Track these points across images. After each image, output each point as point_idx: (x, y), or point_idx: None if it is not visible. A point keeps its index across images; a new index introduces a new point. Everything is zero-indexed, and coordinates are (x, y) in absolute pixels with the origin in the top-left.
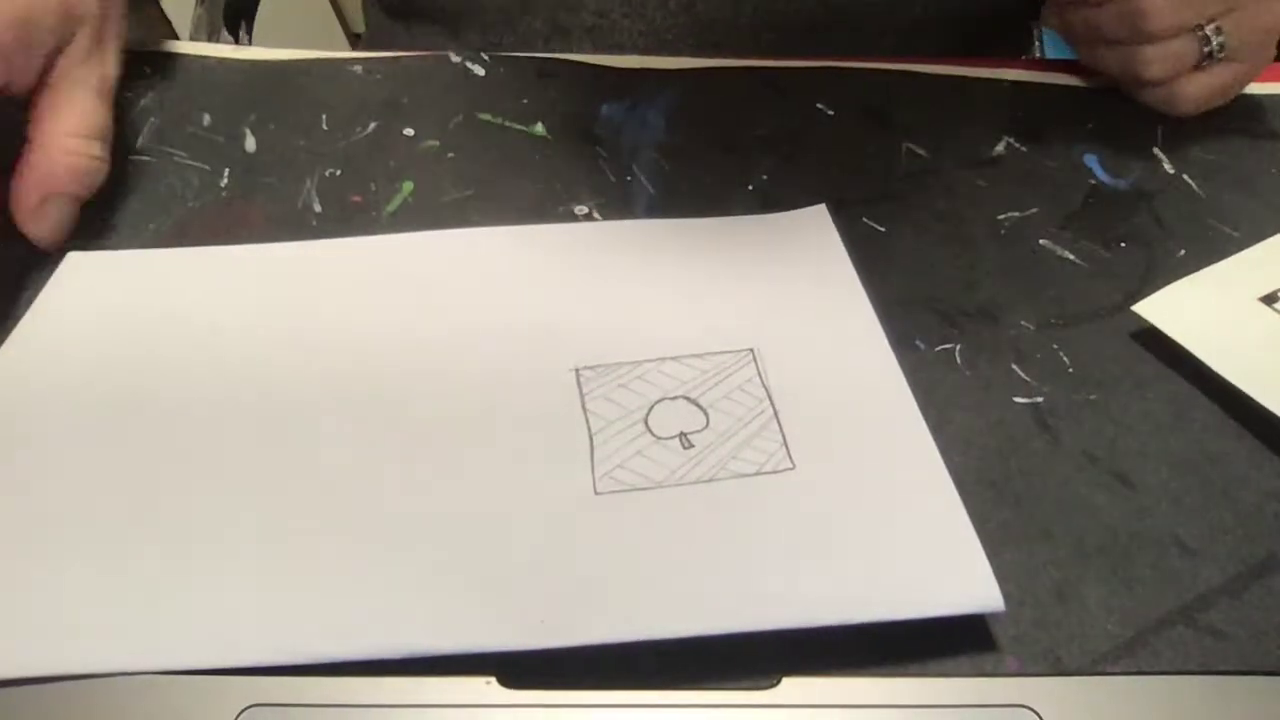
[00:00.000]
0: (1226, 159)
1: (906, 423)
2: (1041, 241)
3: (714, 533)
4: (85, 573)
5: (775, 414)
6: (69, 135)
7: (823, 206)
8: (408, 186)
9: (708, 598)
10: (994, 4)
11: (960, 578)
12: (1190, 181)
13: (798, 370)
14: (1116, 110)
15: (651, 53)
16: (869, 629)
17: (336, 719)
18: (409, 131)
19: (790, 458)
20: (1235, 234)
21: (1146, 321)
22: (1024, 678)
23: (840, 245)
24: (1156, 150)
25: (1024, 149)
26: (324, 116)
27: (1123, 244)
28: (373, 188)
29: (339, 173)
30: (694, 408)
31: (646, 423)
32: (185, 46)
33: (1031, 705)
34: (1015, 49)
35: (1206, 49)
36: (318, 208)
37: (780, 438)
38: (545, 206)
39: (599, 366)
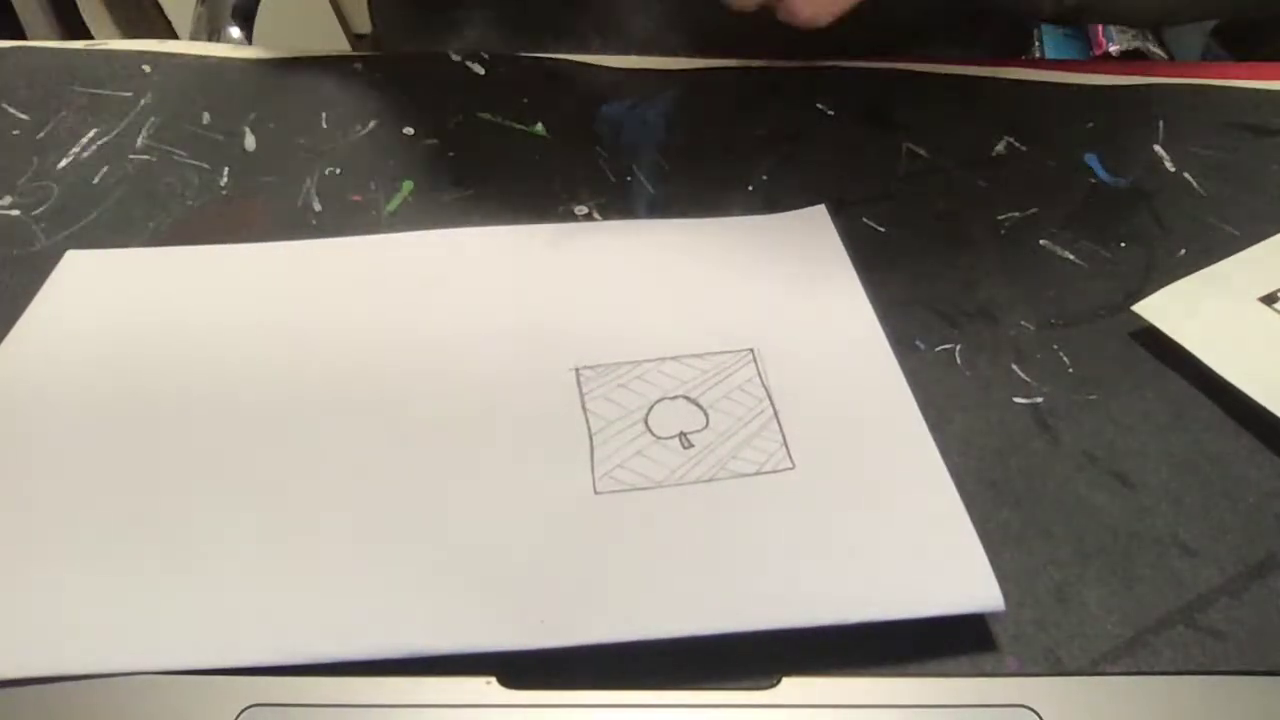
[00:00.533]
0: (1227, 157)
1: (906, 423)
2: (1041, 241)
3: (714, 533)
4: (85, 573)
5: (775, 414)
6: None
7: (823, 207)
8: (408, 186)
9: (708, 598)
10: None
11: (960, 578)
12: (1191, 180)
13: (798, 370)
14: (1116, 110)
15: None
16: (869, 629)
17: (336, 719)
18: (409, 131)
19: (790, 458)
20: (1236, 233)
21: (1146, 321)
22: (1024, 678)
23: (840, 245)
24: (1157, 148)
25: (1024, 149)
26: (324, 115)
27: (1123, 244)
28: (373, 187)
29: (339, 172)
30: (694, 407)
31: (646, 422)
32: (185, 46)
33: (1031, 705)
34: (1015, 49)
35: None
36: (318, 206)
37: (780, 438)
38: (545, 206)
39: (599, 366)
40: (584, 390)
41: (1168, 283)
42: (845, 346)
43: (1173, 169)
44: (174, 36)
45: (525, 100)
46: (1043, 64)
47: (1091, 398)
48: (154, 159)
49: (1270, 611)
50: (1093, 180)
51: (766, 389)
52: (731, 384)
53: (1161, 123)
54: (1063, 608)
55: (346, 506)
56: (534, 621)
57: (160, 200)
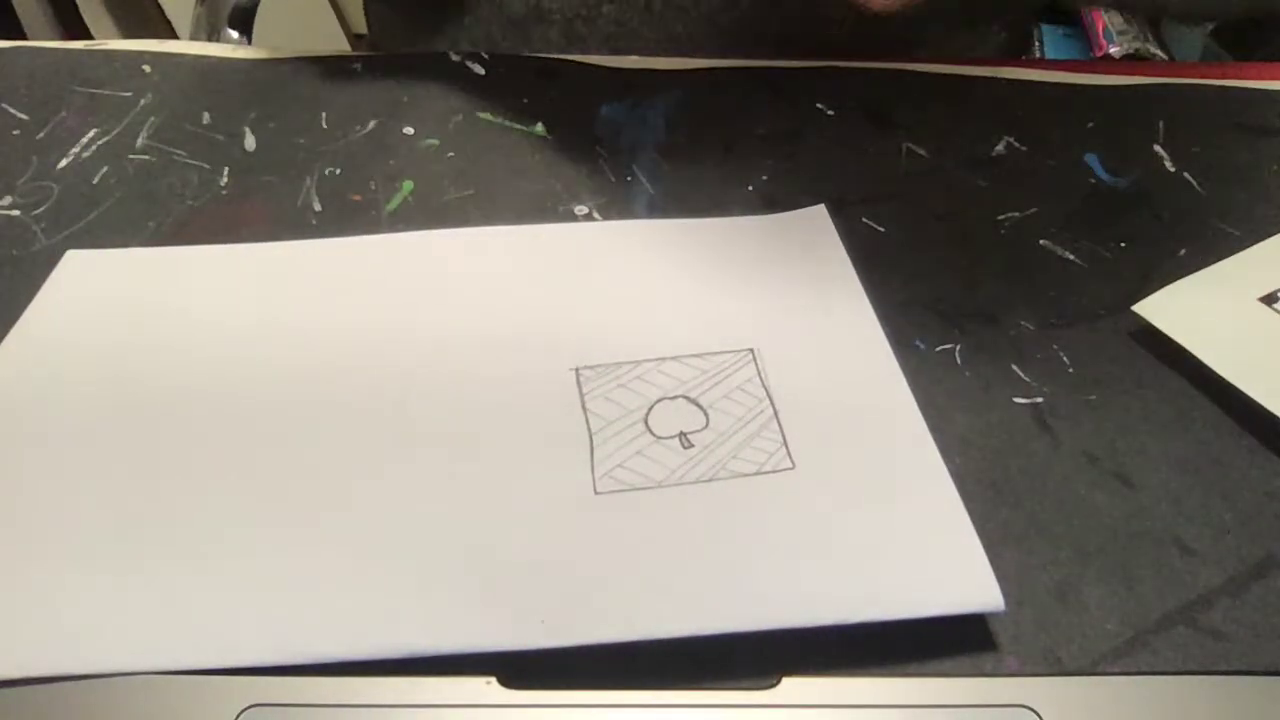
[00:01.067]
0: (1228, 157)
1: (906, 423)
2: (1041, 241)
3: (714, 533)
4: (85, 572)
5: (775, 414)
6: None
7: (823, 206)
8: (407, 185)
9: (708, 598)
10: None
11: (960, 578)
12: (1191, 180)
13: (798, 370)
14: (1116, 110)
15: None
16: (869, 629)
17: (336, 719)
18: (409, 130)
19: (790, 457)
20: (1235, 233)
21: (1146, 321)
22: (1024, 678)
23: (840, 245)
24: (1157, 148)
25: (1024, 149)
26: (324, 115)
27: (1123, 244)
28: (372, 187)
29: (339, 171)
30: (694, 407)
31: (646, 422)
32: (185, 46)
33: (1031, 705)
34: (1016, 49)
35: None
36: (317, 206)
37: (780, 437)
38: (545, 206)
39: (599, 366)
40: (584, 390)
41: (1168, 283)
42: (845, 346)
43: (1173, 169)
44: (174, 37)
45: (525, 100)
46: (1043, 64)
47: (1091, 398)
48: (154, 159)
49: (1270, 611)
50: (1093, 180)
51: (766, 389)
52: (731, 384)
53: (1161, 123)
54: (1063, 608)
55: (346, 506)
56: (534, 622)
57: (160, 200)
